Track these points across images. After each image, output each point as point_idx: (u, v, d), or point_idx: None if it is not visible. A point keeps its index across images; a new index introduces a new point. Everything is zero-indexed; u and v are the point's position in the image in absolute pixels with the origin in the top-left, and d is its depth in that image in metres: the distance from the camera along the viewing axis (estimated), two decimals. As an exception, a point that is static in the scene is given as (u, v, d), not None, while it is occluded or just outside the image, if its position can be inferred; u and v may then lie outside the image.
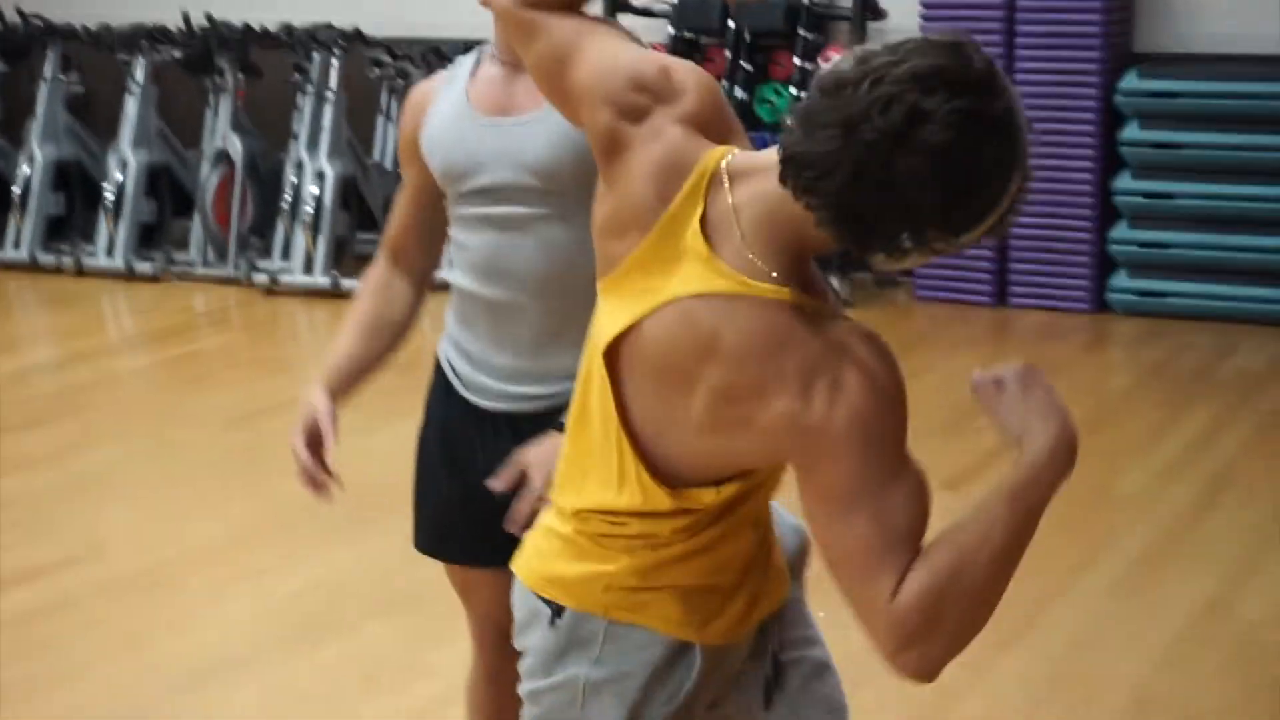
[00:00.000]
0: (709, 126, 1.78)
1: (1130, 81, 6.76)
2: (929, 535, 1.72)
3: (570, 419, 1.86)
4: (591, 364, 1.76)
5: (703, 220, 1.61)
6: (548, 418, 2.35)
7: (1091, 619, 4.20)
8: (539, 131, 2.33)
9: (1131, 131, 6.76)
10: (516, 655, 2.15)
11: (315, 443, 2.51)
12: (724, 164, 1.67)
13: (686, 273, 1.61)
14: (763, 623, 1.92)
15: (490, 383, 2.52)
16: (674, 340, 1.66)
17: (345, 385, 2.60)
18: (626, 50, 1.87)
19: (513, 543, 2.10)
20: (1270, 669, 3.86)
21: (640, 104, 1.77)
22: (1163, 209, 6.87)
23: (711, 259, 1.59)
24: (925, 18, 7.20)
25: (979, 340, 6.88)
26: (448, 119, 2.45)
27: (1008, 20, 6.97)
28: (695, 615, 1.84)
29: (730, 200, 1.60)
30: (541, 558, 1.89)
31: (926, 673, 1.67)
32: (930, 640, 1.63)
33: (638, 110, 1.76)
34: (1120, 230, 6.91)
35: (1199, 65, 6.97)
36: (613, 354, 1.72)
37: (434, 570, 2.86)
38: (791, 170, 1.55)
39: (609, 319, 1.71)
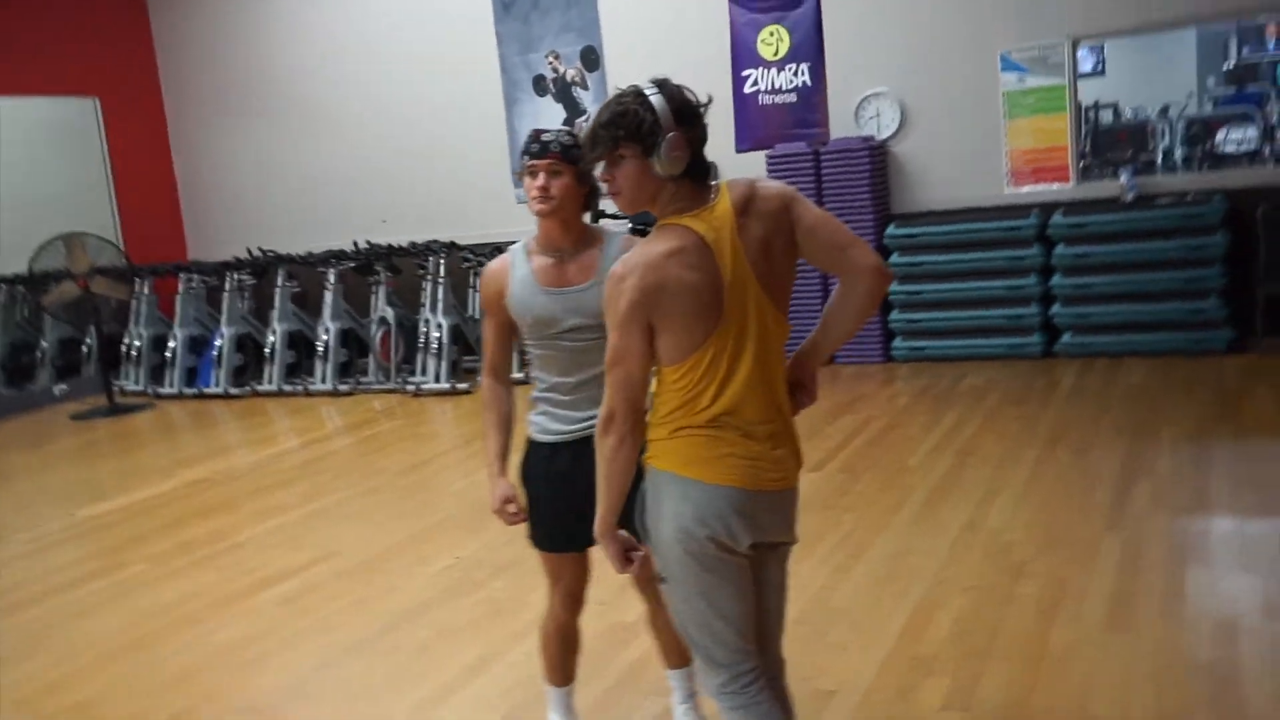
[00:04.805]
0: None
1: (891, 230, 8.18)
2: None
3: None
4: None
5: None
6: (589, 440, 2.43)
7: (903, 539, 4.66)
8: (593, 295, 2.64)
9: (895, 258, 8.12)
10: (579, 611, 2.75)
11: (508, 505, 2.83)
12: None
13: None
14: None
15: (568, 426, 2.74)
16: None
17: (504, 465, 2.87)
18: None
19: (584, 536, 2.42)
20: (1010, 557, 4.32)
21: None
22: (917, 300, 8.13)
23: None
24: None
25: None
26: (526, 290, 2.71)
27: (818, 198, 8.13)
28: None
29: None
30: None
31: None
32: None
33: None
34: (894, 315, 8.22)
35: (927, 217, 8.27)
36: None
37: (521, 552, 2.93)
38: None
39: None
